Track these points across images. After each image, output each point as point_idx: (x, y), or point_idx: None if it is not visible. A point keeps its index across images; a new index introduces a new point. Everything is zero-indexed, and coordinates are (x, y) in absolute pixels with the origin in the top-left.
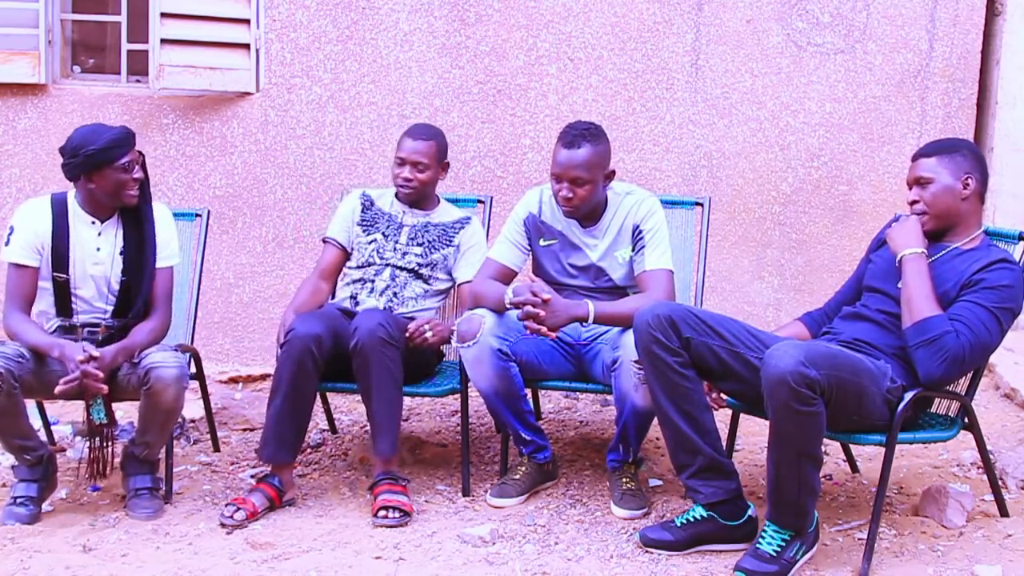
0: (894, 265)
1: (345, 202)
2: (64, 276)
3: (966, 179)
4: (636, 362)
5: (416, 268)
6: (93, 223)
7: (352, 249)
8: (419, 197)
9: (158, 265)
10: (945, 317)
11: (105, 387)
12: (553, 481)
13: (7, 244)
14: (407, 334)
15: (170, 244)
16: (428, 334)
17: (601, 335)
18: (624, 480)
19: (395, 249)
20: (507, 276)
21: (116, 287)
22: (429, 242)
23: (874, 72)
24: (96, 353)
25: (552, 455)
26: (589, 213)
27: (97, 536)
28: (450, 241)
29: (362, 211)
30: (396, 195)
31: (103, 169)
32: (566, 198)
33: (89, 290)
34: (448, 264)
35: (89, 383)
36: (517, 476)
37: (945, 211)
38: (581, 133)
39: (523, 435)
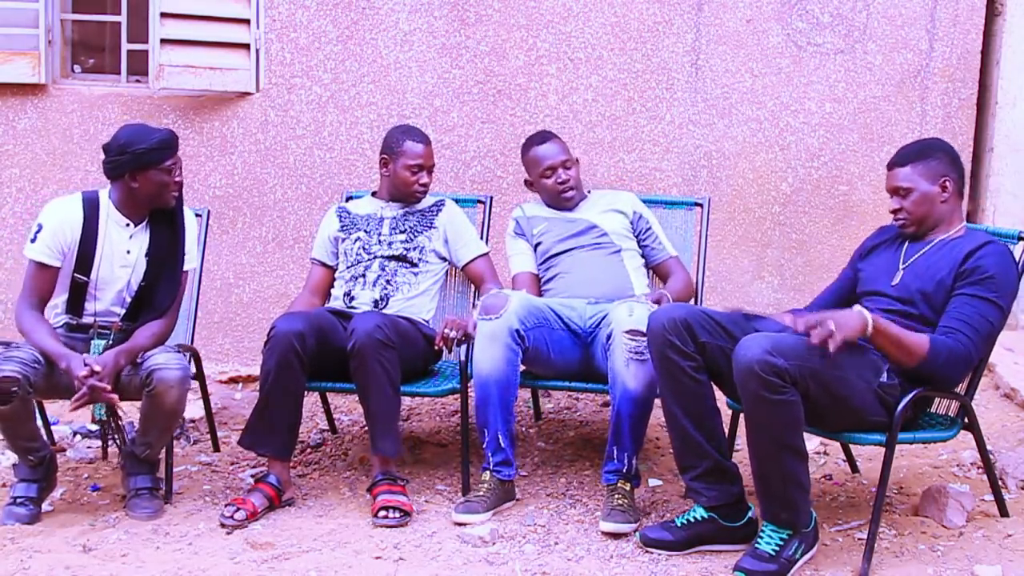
0: (885, 267)
1: (324, 220)
2: (84, 278)
3: (943, 182)
4: (627, 332)
5: (404, 254)
6: (127, 225)
7: (338, 259)
8: None
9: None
10: (937, 336)
11: (115, 396)
12: (512, 502)
13: (33, 241)
14: (436, 347)
15: (192, 248)
16: (452, 333)
17: (602, 319)
18: (616, 497)
19: (380, 241)
20: (538, 280)
21: (135, 290)
22: (411, 228)
23: (874, 72)
24: (98, 368)
25: (515, 475)
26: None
27: (97, 536)
28: (430, 224)
29: (340, 223)
30: (375, 193)
31: (148, 169)
32: (563, 181)
33: (109, 293)
34: (435, 246)
35: (98, 396)
36: (481, 492)
37: (927, 215)
38: (540, 133)
39: (500, 440)
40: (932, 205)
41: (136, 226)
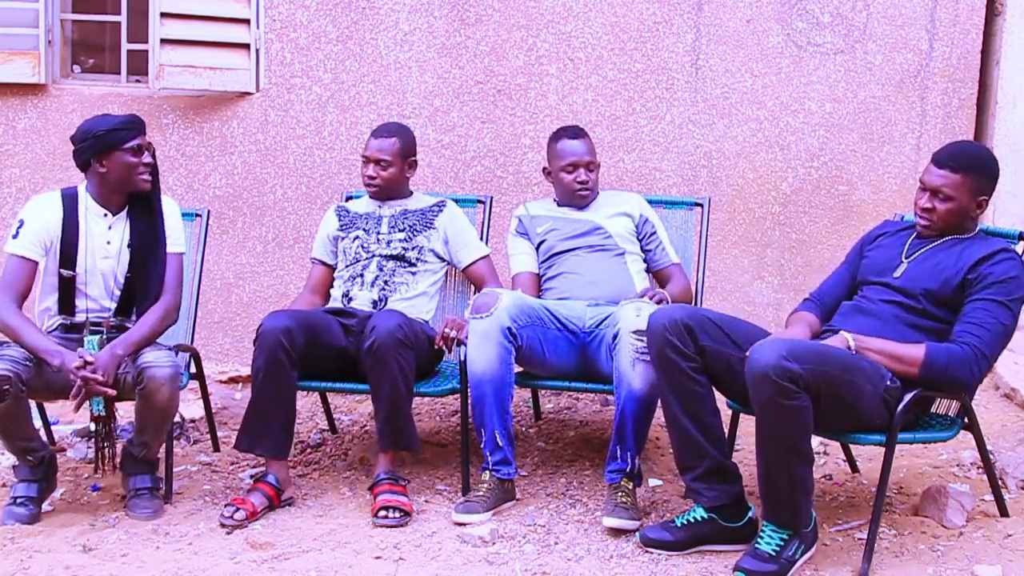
0: (888, 257)
1: (323, 219)
2: (71, 272)
3: (982, 200)
4: (634, 333)
5: (402, 253)
6: (105, 215)
7: (337, 258)
8: (386, 194)
9: (167, 250)
10: (933, 344)
11: (112, 391)
12: (512, 502)
13: (15, 236)
14: (436, 346)
15: (176, 231)
16: (452, 333)
17: (604, 320)
18: (619, 495)
19: (378, 240)
20: (538, 280)
21: (121, 282)
22: (410, 226)
23: (874, 72)
24: (91, 358)
25: (515, 474)
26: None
27: (97, 536)
28: (430, 224)
29: (339, 222)
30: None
31: (112, 152)
32: (583, 181)
33: (96, 286)
34: (433, 247)
35: (92, 388)
36: (481, 492)
37: (954, 225)
38: (574, 127)
39: (498, 439)
40: (963, 218)
41: (115, 216)
